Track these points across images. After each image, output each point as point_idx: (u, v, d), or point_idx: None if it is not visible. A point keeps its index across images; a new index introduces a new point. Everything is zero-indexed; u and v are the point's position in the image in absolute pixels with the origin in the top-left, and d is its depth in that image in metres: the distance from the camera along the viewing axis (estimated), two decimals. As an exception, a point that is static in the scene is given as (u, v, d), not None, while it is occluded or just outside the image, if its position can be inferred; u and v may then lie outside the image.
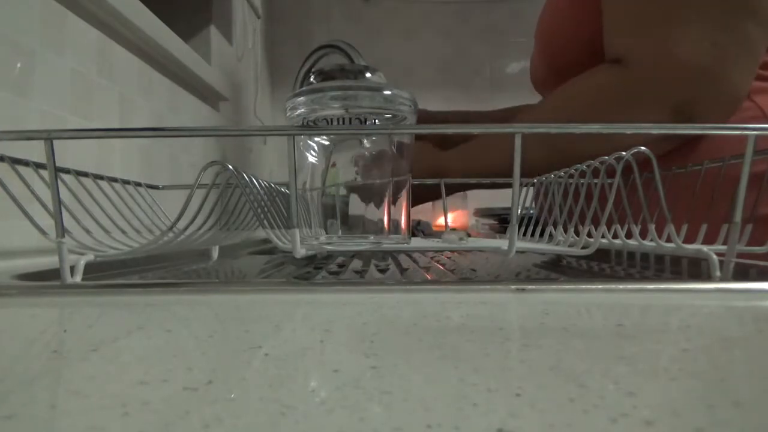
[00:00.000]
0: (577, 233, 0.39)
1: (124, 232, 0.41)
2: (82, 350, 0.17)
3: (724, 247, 0.31)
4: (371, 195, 0.44)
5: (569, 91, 0.67)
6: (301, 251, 0.32)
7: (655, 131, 0.32)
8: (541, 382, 0.14)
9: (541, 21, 0.80)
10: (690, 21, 0.58)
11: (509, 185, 0.33)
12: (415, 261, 0.56)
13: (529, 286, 0.28)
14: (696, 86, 0.58)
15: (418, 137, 0.80)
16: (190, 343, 0.18)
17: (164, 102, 0.84)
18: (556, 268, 0.52)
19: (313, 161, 0.44)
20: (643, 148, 0.33)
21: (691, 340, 0.19)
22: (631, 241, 0.39)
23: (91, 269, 0.34)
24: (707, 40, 0.57)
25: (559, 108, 0.67)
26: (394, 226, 0.45)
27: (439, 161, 0.74)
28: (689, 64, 0.57)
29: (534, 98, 0.88)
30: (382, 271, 0.49)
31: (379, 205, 0.44)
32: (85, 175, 0.42)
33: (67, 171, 0.39)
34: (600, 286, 0.28)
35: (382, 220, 0.44)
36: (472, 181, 0.67)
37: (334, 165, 0.44)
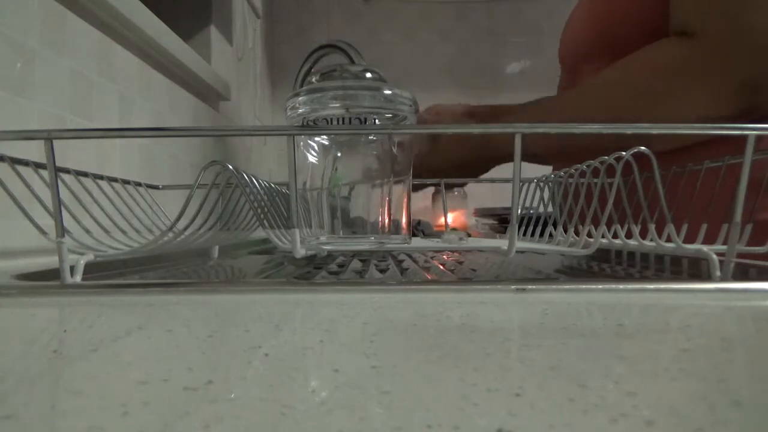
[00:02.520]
0: (577, 233, 0.39)
1: (124, 232, 0.41)
2: (82, 350, 0.17)
3: (724, 247, 0.31)
4: (372, 195, 0.44)
5: (631, 64, 0.62)
6: (301, 251, 0.32)
7: (655, 131, 0.32)
8: (541, 382, 0.14)
9: (573, 17, 0.76)
10: None
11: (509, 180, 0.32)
12: (415, 261, 0.56)
13: (529, 286, 0.28)
14: (767, 63, 0.55)
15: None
16: (190, 343, 0.18)
17: (164, 102, 0.84)
18: (556, 268, 0.52)
19: (313, 161, 0.44)
20: (643, 148, 0.33)
21: (691, 340, 0.19)
22: (631, 241, 0.39)
23: (91, 269, 0.34)
24: None
25: (621, 82, 0.63)
26: (395, 226, 0.45)
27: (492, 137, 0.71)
28: (762, 38, 0.54)
29: (531, 96, 0.88)
30: (382, 271, 0.49)
31: (379, 205, 0.44)
32: (85, 175, 0.42)
33: (67, 171, 0.39)
34: (600, 286, 0.28)
35: (382, 220, 0.44)
36: (472, 181, 0.67)
37: (336, 169, 0.44)
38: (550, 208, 0.52)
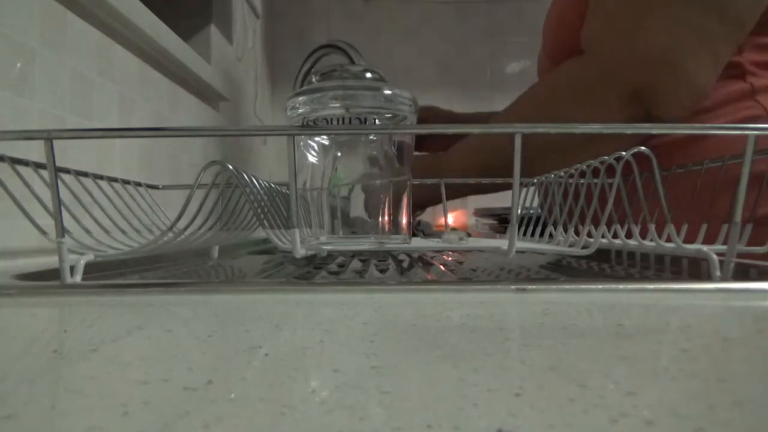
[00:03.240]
0: (577, 233, 0.39)
1: (124, 232, 0.41)
2: (82, 350, 0.17)
3: (724, 247, 0.31)
4: (372, 195, 0.44)
5: (541, 81, 0.71)
6: (301, 251, 0.32)
7: (655, 131, 0.32)
8: (541, 382, 0.14)
9: (549, 13, 0.82)
10: (651, 13, 0.61)
11: (509, 186, 0.32)
12: (415, 261, 0.56)
13: (529, 286, 0.28)
14: (651, 74, 0.60)
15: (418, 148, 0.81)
16: (190, 343, 0.18)
17: (164, 102, 0.84)
18: (556, 268, 0.52)
19: (313, 161, 0.44)
20: (642, 148, 0.33)
21: (691, 340, 0.19)
22: (631, 241, 0.39)
23: (91, 269, 0.34)
24: (665, 31, 0.59)
25: (530, 96, 0.71)
26: (395, 226, 0.45)
27: (435, 164, 0.75)
28: (645, 52, 0.60)
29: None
30: (382, 271, 0.49)
31: (379, 205, 0.44)
32: (85, 175, 0.42)
33: (67, 171, 0.39)
34: (600, 286, 0.28)
35: (382, 220, 0.44)
36: (472, 181, 0.67)
37: (336, 169, 0.44)
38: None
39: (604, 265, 0.50)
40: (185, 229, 0.35)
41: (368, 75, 0.44)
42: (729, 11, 0.60)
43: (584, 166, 0.41)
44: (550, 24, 0.81)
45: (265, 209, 0.38)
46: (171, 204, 0.55)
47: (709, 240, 0.37)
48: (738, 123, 0.61)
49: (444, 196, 0.63)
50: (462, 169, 0.71)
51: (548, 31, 0.81)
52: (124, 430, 0.11)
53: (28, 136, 0.30)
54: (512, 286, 0.28)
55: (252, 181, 0.37)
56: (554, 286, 0.28)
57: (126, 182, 0.47)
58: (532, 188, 0.57)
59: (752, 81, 0.64)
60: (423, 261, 0.57)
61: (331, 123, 0.42)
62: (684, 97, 0.61)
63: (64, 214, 0.30)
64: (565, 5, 0.76)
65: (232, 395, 0.13)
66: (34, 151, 0.42)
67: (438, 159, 0.77)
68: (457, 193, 0.76)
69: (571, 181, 0.43)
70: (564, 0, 0.76)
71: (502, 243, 0.36)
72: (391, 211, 0.44)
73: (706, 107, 0.64)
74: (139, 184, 0.50)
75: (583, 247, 0.36)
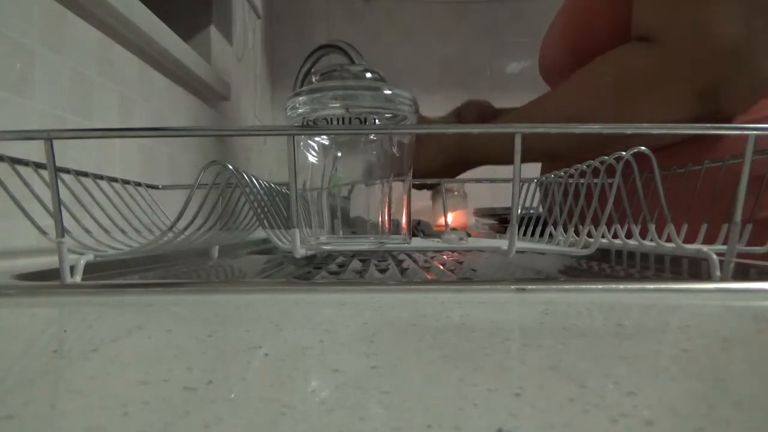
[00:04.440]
0: (577, 233, 0.39)
1: (124, 232, 0.41)
2: (82, 350, 0.17)
3: (724, 247, 0.31)
4: (372, 195, 0.44)
5: (594, 70, 0.64)
6: (301, 251, 0.32)
7: (655, 131, 0.32)
8: (541, 382, 0.14)
9: (567, 1, 0.77)
10: (725, 0, 0.56)
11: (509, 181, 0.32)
12: (415, 261, 0.56)
13: (529, 286, 0.28)
14: (726, 68, 0.56)
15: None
16: (190, 343, 0.18)
17: (164, 102, 0.84)
18: (556, 268, 0.52)
19: (313, 161, 0.44)
20: (643, 148, 0.33)
21: (691, 340, 0.19)
22: (631, 241, 0.39)
23: (91, 269, 0.34)
24: (741, 21, 0.55)
25: (585, 87, 0.64)
26: (395, 226, 0.45)
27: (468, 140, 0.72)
28: (722, 44, 0.55)
29: (531, 96, 0.88)
30: (382, 271, 0.49)
31: (379, 205, 0.44)
32: (85, 175, 0.42)
33: (67, 171, 0.39)
34: (600, 286, 0.28)
35: (382, 220, 0.44)
36: (472, 181, 0.67)
37: (336, 169, 0.44)
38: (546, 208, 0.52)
39: (604, 265, 0.50)
40: (185, 229, 0.35)
41: (368, 75, 0.44)
42: None
43: (584, 166, 0.41)
44: (572, 8, 0.75)
45: (265, 209, 0.38)
46: (171, 204, 0.55)
47: (709, 240, 0.37)
48: (756, 122, 0.60)
49: (444, 196, 0.63)
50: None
51: (572, 17, 0.75)
52: (124, 430, 0.11)
53: (28, 136, 0.30)
54: (512, 286, 0.28)
55: (252, 181, 0.37)
56: (554, 286, 0.28)
57: (126, 182, 0.47)
58: (532, 188, 0.57)
59: None
60: (423, 261, 0.57)
61: (331, 123, 0.42)
62: (753, 91, 0.58)
63: (64, 214, 0.30)
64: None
65: (232, 395, 0.13)
66: (34, 151, 0.42)
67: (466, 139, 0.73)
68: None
69: (571, 181, 0.43)
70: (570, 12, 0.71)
71: (502, 243, 0.36)
72: (391, 211, 0.44)
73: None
74: (139, 184, 0.50)
75: (583, 247, 0.36)
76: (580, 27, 0.73)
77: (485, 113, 0.89)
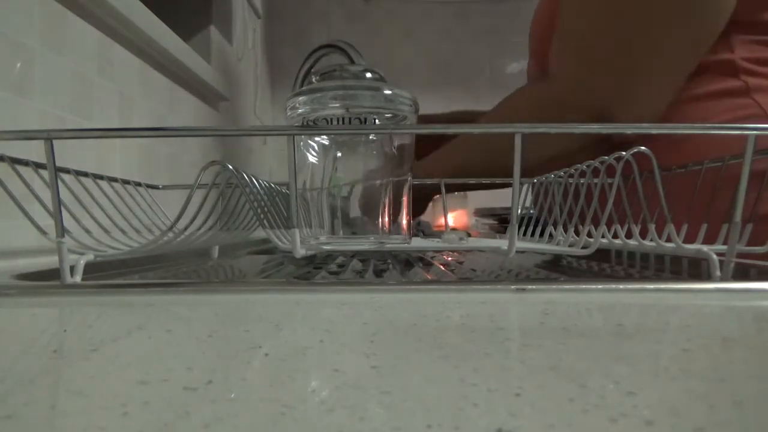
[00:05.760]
0: (577, 233, 0.39)
1: (124, 232, 0.41)
2: (82, 350, 0.17)
3: (724, 247, 0.31)
4: (372, 195, 0.44)
5: (509, 104, 0.73)
6: (301, 251, 0.32)
7: (655, 131, 0.32)
8: (541, 382, 0.14)
9: (533, 19, 0.84)
10: (601, 43, 0.64)
11: (509, 185, 0.33)
12: (415, 261, 0.56)
13: (529, 286, 0.28)
14: (609, 99, 0.63)
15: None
16: (190, 343, 0.18)
17: (164, 102, 0.84)
18: (556, 268, 0.52)
19: (313, 161, 0.44)
20: (643, 148, 0.33)
21: (691, 340, 0.19)
22: (631, 241, 0.39)
23: (91, 269, 0.34)
24: (621, 62, 0.63)
25: (504, 118, 0.72)
26: (395, 226, 0.45)
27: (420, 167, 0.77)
28: (600, 81, 0.64)
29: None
30: (382, 271, 0.49)
31: (379, 205, 0.44)
32: (85, 175, 0.42)
33: (67, 171, 0.39)
34: (600, 286, 0.28)
35: (382, 220, 0.44)
36: (472, 181, 0.67)
37: (336, 169, 0.44)
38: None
39: (604, 265, 0.50)
40: (185, 229, 0.35)
41: (368, 75, 0.44)
42: (678, 36, 0.62)
43: (584, 166, 0.41)
44: (534, 27, 0.83)
45: (265, 209, 0.38)
46: (171, 204, 0.55)
47: (709, 240, 0.37)
48: (737, 121, 0.62)
49: (444, 196, 0.63)
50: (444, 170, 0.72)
51: (534, 34, 0.83)
52: (124, 430, 0.11)
53: (28, 136, 0.30)
54: (512, 286, 0.28)
55: (252, 181, 0.37)
56: (554, 286, 0.28)
57: (126, 182, 0.47)
58: (532, 188, 0.57)
59: (746, 79, 0.64)
60: (423, 261, 0.57)
61: (331, 123, 0.42)
62: (642, 119, 0.64)
63: (64, 214, 0.30)
64: (542, 14, 0.79)
65: (232, 395, 0.13)
66: (34, 151, 0.42)
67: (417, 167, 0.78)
68: (457, 187, 0.78)
69: (571, 181, 0.43)
70: (541, 9, 0.79)
71: (502, 243, 0.36)
72: (391, 211, 0.44)
73: (696, 95, 0.65)
74: (139, 184, 0.50)
75: (583, 247, 0.36)
76: (536, 50, 0.82)
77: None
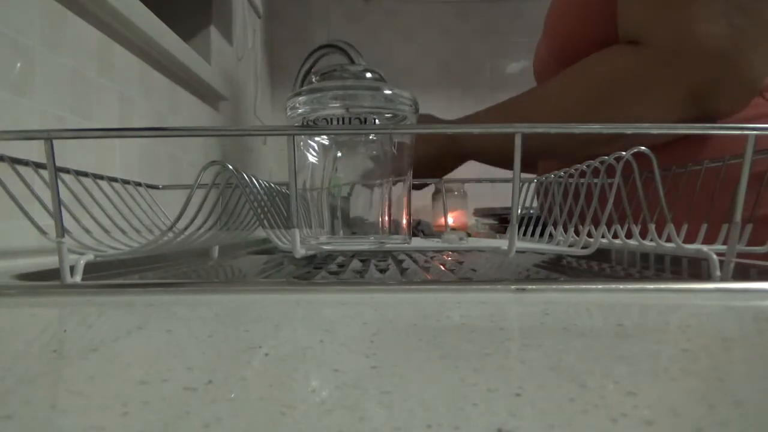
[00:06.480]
0: (577, 233, 0.39)
1: (124, 232, 0.41)
2: (82, 350, 0.17)
3: (724, 247, 0.31)
4: (372, 195, 0.44)
5: (583, 70, 0.64)
6: (301, 251, 0.32)
7: (655, 131, 0.32)
8: (541, 382, 0.14)
9: (553, 5, 0.77)
10: (709, 1, 0.56)
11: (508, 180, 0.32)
12: (415, 261, 0.56)
13: (529, 286, 0.28)
14: (715, 68, 0.56)
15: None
16: (190, 343, 0.18)
17: (164, 102, 0.84)
18: (556, 268, 0.52)
19: (313, 161, 0.44)
20: (643, 148, 0.33)
21: (691, 340, 0.19)
22: (631, 241, 0.39)
23: (91, 269, 0.34)
24: (726, 20, 0.55)
25: (572, 88, 0.64)
26: (395, 226, 0.45)
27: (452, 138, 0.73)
28: (709, 44, 0.55)
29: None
30: (382, 271, 0.49)
31: (379, 205, 0.44)
32: (85, 175, 0.42)
33: (67, 171, 0.39)
34: (600, 286, 0.28)
35: (382, 220, 0.44)
36: (472, 181, 0.67)
37: (336, 169, 0.44)
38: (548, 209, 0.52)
39: (604, 265, 0.50)
40: (185, 229, 0.35)
41: (368, 75, 0.44)
42: None
43: (584, 166, 0.41)
44: (556, 14, 0.75)
45: (265, 209, 0.38)
46: (171, 204, 0.55)
47: (709, 240, 0.37)
48: (749, 120, 0.60)
49: (444, 196, 0.63)
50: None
51: (555, 22, 0.75)
52: (124, 430, 0.11)
53: (28, 136, 0.30)
54: (512, 286, 0.28)
55: (252, 181, 0.37)
56: (554, 286, 0.28)
57: (126, 182, 0.47)
58: (532, 188, 0.57)
59: None
60: (423, 261, 0.57)
61: (331, 123, 0.42)
62: (743, 92, 0.58)
63: (64, 214, 0.30)
64: None
65: (232, 395, 0.13)
66: (34, 151, 0.42)
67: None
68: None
69: (571, 181, 0.43)
70: None
71: (502, 243, 0.36)
72: (391, 211, 0.44)
73: None
74: (139, 184, 0.50)
75: (583, 247, 0.36)
76: (561, 32, 0.73)
77: None
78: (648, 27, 0.59)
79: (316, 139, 0.44)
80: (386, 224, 0.44)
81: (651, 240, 0.36)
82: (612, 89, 0.61)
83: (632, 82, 0.60)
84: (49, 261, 0.39)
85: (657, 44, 0.58)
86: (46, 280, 0.34)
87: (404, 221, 0.45)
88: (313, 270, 0.50)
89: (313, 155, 0.44)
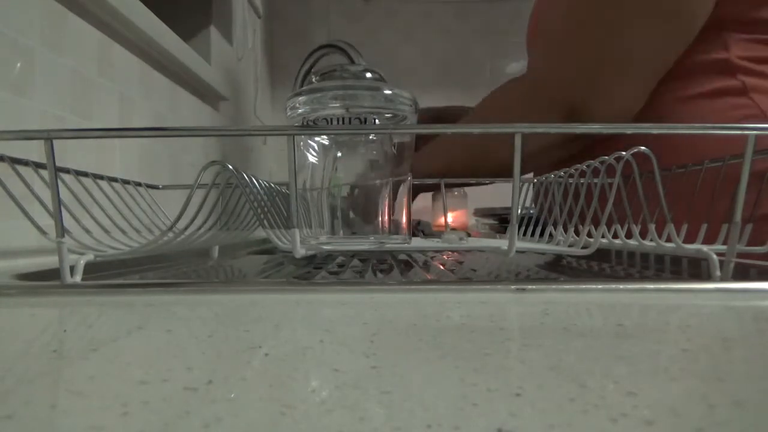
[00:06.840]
0: (577, 233, 0.39)
1: (124, 232, 0.41)
2: (82, 350, 0.17)
3: (724, 247, 0.31)
4: (372, 195, 0.44)
5: (487, 104, 0.76)
6: (301, 251, 0.32)
7: (655, 131, 0.32)
8: (541, 382, 0.14)
9: (529, 20, 0.85)
10: (575, 38, 0.65)
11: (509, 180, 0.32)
12: (415, 261, 0.56)
13: (529, 286, 0.28)
14: (584, 94, 0.64)
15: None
16: (190, 343, 0.18)
17: (164, 102, 0.84)
18: (556, 268, 0.52)
19: (313, 161, 0.44)
20: (643, 148, 0.33)
21: (691, 340, 0.19)
22: (631, 241, 0.39)
23: (91, 269, 0.34)
24: (592, 59, 0.63)
25: (488, 111, 0.75)
26: (395, 226, 0.45)
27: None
28: (575, 77, 0.65)
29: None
30: (382, 271, 0.49)
31: (379, 205, 0.44)
32: (85, 175, 0.42)
33: (67, 171, 0.39)
34: (600, 286, 0.28)
35: (382, 220, 0.44)
36: (473, 181, 0.67)
37: (336, 169, 0.44)
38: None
39: (604, 265, 0.50)
40: (185, 229, 0.35)
41: (368, 75, 0.44)
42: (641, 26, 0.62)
43: (584, 166, 0.41)
44: (531, 26, 0.84)
45: (265, 209, 0.38)
46: (171, 204, 0.55)
47: (709, 240, 0.37)
48: (735, 122, 0.61)
49: (444, 196, 0.63)
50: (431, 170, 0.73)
51: (529, 34, 0.84)
52: (124, 430, 0.11)
53: (28, 136, 0.30)
54: (512, 286, 0.28)
55: (252, 181, 0.37)
56: (554, 286, 0.28)
57: (126, 182, 0.47)
58: (532, 188, 0.57)
59: (743, 78, 0.63)
60: (423, 261, 0.57)
61: (331, 123, 0.42)
62: (614, 117, 0.64)
63: (64, 214, 0.30)
64: (532, 15, 0.81)
65: (232, 395, 0.13)
66: (34, 151, 0.42)
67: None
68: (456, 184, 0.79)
69: (571, 181, 0.43)
70: (533, 9, 0.81)
71: (502, 243, 0.36)
72: (391, 211, 0.44)
73: (692, 94, 0.65)
74: (139, 184, 0.50)
75: (583, 247, 0.36)
76: (530, 22, 0.83)
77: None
78: (531, 59, 0.73)
79: (316, 139, 0.44)
80: (386, 224, 0.44)
81: (651, 240, 0.36)
82: (511, 113, 0.72)
83: (523, 106, 0.70)
84: (49, 261, 0.39)
85: (536, 74, 0.69)
86: (46, 280, 0.34)
87: (404, 221, 0.45)
88: (313, 270, 0.50)
89: (313, 155, 0.44)
